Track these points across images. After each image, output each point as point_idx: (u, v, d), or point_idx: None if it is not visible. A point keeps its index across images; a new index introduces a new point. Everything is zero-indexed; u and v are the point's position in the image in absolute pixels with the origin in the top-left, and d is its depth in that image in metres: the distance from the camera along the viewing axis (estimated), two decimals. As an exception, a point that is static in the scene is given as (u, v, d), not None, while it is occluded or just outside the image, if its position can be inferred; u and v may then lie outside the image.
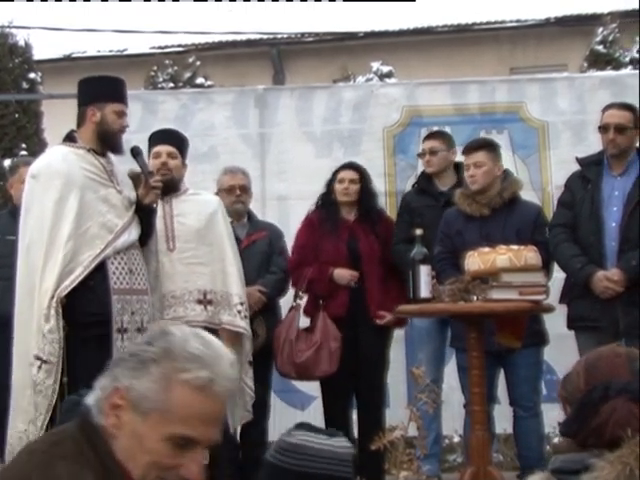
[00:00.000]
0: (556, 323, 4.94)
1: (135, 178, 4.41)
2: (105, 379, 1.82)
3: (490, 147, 5.03)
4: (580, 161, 4.94)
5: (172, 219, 4.76)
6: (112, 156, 4.36)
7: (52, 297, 3.97)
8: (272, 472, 2.49)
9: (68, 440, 1.79)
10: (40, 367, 3.94)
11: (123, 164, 4.49)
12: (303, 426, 2.55)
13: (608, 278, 4.60)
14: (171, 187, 4.72)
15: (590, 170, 4.83)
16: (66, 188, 4.14)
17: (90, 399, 1.84)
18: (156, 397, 1.77)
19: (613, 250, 4.66)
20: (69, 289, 4.01)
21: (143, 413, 1.77)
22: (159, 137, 4.96)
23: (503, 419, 5.09)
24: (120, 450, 1.79)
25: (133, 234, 4.27)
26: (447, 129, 5.89)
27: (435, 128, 5.91)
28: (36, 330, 3.97)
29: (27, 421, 3.99)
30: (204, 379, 1.75)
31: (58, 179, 4.16)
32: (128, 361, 1.81)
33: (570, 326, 4.84)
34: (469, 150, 4.99)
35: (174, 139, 4.96)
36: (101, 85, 4.44)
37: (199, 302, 4.70)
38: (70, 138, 4.36)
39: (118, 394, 1.79)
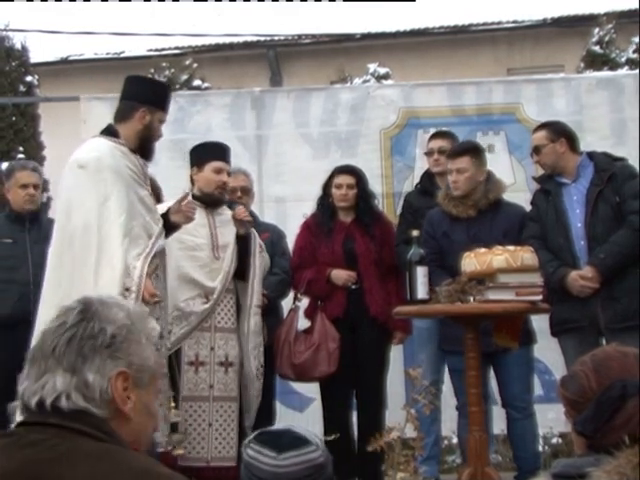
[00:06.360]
0: (553, 324, 4.94)
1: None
2: (65, 377, 1.72)
3: (474, 152, 5.06)
4: (537, 179, 5.13)
5: (215, 230, 4.94)
6: None
7: (124, 294, 3.95)
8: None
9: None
10: None
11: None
12: (259, 437, 2.40)
13: (582, 276, 4.68)
14: (219, 203, 4.98)
15: (548, 183, 4.98)
16: (116, 184, 4.12)
17: (79, 401, 1.73)
18: (150, 362, 1.80)
19: (583, 249, 4.77)
20: (138, 282, 4.02)
21: (145, 384, 1.80)
22: (222, 153, 5.03)
23: (501, 420, 5.09)
24: (132, 430, 1.78)
25: (162, 240, 4.30)
26: (444, 131, 5.89)
27: (432, 129, 5.91)
28: None
29: None
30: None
31: (108, 173, 4.13)
32: (97, 349, 1.74)
33: (553, 332, 4.87)
34: (453, 155, 5.02)
35: (229, 156, 5.07)
36: (159, 91, 4.51)
37: None
38: (110, 132, 4.32)
39: (123, 377, 1.76)
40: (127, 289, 4.00)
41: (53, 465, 1.64)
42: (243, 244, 4.94)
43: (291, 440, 2.37)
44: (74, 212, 4.13)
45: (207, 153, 5.01)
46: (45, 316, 4.03)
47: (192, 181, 5.03)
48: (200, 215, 4.87)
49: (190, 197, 4.72)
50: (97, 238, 4.05)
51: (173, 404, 4.26)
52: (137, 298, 4.01)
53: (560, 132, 4.97)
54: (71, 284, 4.04)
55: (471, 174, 4.95)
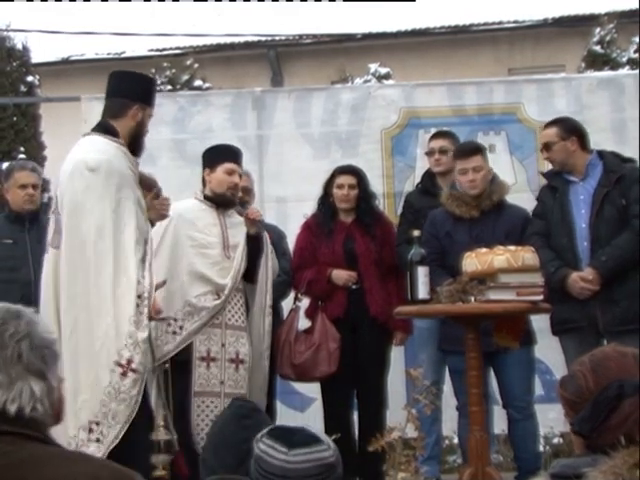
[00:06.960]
0: (554, 324, 4.94)
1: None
2: (39, 384, 1.75)
3: (483, 151, 5.09)
4: (545, 174, 5.11)
5: (226, 230, 4.96)
6: None
7: (137, 302, 3.94)
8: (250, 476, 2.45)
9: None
10: (125, 374, 3.86)
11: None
12: (273, 432, 2.42)
13: (583, 278, 4.68)
14: (230, 204, 5.00)
15: (555, 180, 4.96)
16: (125, 188, 4.10)
17: (48, 407, 1.76)
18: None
19: (586, 251, 4.77)
20: (148, 291, 4.01)
21: None
22: (234, 155, 5.06)
23: (502, 420, 5.09)
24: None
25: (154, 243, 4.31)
26: (445, 131, 5.88)
27: (433, 129, 5.91)
28: (116, 335, 3.89)
29: (77, 427, 3.86)
30: None
31: (117, 178, 4.10)
32: (52, 356, 1.79)
33: (554, 331, 4.87)
34: (466, 154, 5.00)
35: (241, 159, 5.10)
36: (148, 87, 4.49)
37: None
38: (108, 130, 4.26)
39: (62, 383, 1.83)
40: (139, 296, 4.00)
41: (14, 471, 1.65)
42: (253, 245, 4.95)
43: (303, 437, 2.37)
44: (85, 217, 4.06)
45: (220, 155, 5.04)
46: (82, 324, 3.96)
47: (204, 182, 5.06)
48: (211, 215, 4.95)
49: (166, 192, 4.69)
50: (112, 245, 4.00)
51: (162, 423, 4.04)
52: (149, 305, 4.02)
53: (571, 130, 4.94)
54: (83, 292, 4.00)
55: (485, 172, 4.97)
